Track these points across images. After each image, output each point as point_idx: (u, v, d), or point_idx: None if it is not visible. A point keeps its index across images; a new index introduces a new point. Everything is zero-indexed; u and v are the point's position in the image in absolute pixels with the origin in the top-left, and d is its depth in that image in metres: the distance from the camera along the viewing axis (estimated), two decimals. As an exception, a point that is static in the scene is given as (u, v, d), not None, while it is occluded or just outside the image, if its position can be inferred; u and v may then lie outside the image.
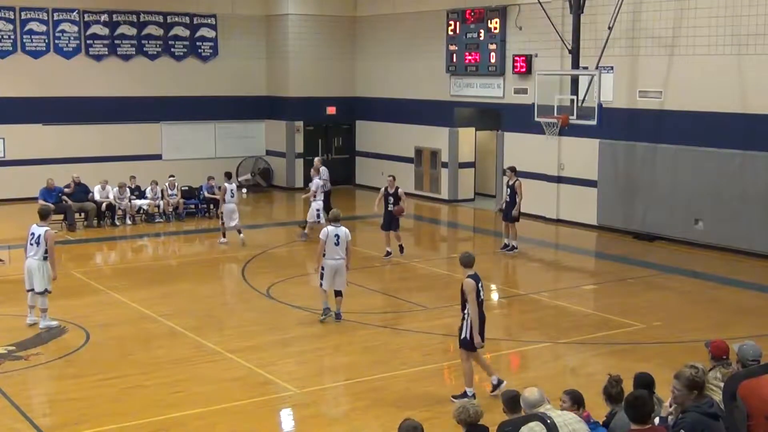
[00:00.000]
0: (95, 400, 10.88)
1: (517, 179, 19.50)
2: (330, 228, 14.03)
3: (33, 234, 13.49)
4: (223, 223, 20.52)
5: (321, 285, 14.10)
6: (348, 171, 30.77)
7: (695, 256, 19.34)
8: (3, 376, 11.58)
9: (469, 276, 10.52)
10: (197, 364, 12.20)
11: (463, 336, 10.58)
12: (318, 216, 20.54)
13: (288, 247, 20.96)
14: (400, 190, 19.02)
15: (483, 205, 26.66)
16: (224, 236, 20.61)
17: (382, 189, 19.28)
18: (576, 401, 7.32)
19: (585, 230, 22.42)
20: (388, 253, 19.09)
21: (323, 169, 21.97)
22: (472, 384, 10.62)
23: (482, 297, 10.58)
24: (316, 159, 23.36)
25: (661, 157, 20.78)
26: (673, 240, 20.58)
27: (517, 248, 19.61)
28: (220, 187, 21.26)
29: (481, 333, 10.57)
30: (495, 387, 10.70)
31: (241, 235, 20.41)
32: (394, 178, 19.34)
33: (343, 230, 14.00)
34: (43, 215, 13.80)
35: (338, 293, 14.15)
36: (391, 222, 19.03)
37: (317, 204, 20.69)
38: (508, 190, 19.59)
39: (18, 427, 10.04)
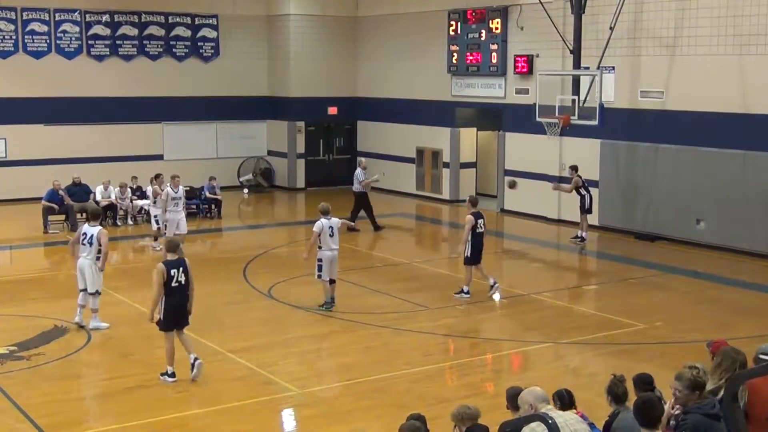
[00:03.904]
0: (97, 400, 10.89)
1: (579, 177, 20.41)
2: (324, 221, 14.63)
3: (86, 234, 13.56)
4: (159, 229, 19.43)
5: (320, 277, 14.73)
6: (350, 171, 30.72)
7: (697, 257, 19.32)
8: (5, 377, 11.57)
9: (165, 261, 11.07)
10: (199, 365, 12.21)
11: (158, 318, 11.15)
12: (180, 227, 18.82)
13: (289, 247, 20.96)
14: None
15: (484, 205, 26.58)
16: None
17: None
18: (562, 403, 6.99)
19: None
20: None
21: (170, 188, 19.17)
22: (172, 363, 11.19)
23: (181, 281, 11.00)
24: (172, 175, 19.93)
25: (663, 158, 20.77)
26: (674, 240, 20.57)
27: (585, 239, 20.65)
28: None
29: (176, 317, 11.12)
30: (192, 366, 11.16)
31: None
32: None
33: (335, 221, 14.81)
34: (95, 216, 14.07)
35: (332, 281, 14.89)
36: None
37: (183, 213, 19.05)
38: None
39: (20, 428, 10.04)
